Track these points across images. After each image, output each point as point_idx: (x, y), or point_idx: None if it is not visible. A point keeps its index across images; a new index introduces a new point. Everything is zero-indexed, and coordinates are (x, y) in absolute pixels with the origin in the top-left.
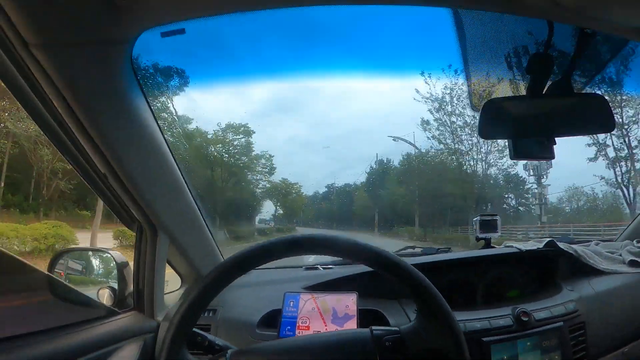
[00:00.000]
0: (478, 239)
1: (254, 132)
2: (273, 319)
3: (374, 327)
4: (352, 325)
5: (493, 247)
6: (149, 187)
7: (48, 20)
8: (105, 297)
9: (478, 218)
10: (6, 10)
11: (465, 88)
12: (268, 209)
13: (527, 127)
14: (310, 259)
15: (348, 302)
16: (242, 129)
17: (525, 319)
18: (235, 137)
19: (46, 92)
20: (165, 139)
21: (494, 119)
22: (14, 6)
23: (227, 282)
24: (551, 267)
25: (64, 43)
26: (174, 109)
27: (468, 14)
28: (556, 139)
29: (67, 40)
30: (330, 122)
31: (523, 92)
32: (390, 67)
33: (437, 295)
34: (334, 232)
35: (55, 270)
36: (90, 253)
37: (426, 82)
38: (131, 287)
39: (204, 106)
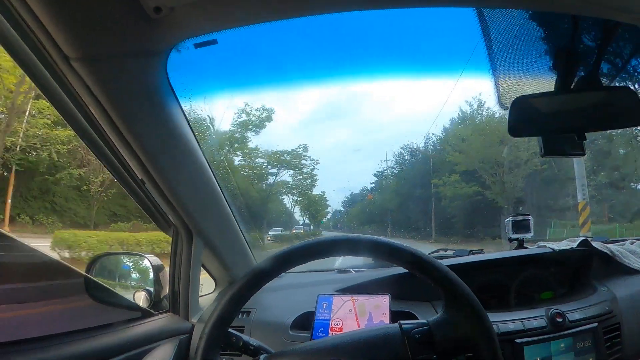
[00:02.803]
0: (511, 240)
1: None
2: (306, 321)
3: (402, 322)
4: None
5: (526, 247)
6: (186, 193)
7: (86, 34)
8: (141, 299)
9: (510, 219)
10: (46, 26)
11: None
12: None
13: (557, 123)
14: (342, 262)
15: (383, 307)
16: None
17: (559, 320)
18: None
19: (86, 103)
20: (200, 146)
21: (523, 116)
22: (54, 22)
23: (261, 285)
24: (585, 267)
25: (103, 56)
26: (210, 117)
27: (495, 12)
28: (586, 134)
29: (105, 53)
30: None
31: (551, 88)
32: (425, 69)
33: (462, 285)
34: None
35: (94, 272)
36: (126, 257)
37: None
38: (166, 290)
39: (238, 114)
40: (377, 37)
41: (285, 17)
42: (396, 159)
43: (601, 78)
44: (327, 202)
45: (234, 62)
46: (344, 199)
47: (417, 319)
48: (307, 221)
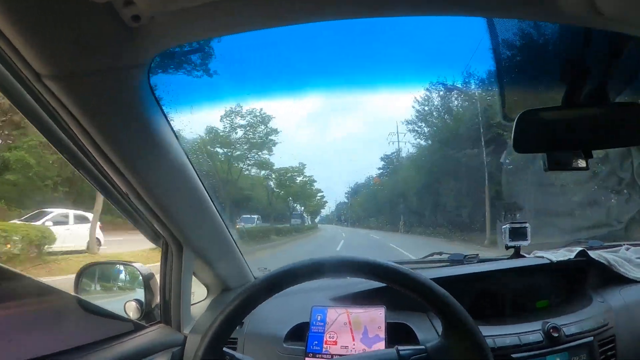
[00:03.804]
0: (507, 247)
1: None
2: (300, 332)
3: (400, 348)
4: (379, 347)
5: (523, 255)
6: (173, 205)
7: (58, 51)
8: (132, 310)
9: (508, 226)
10: (13, 43)
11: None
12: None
13: (564, 139)
14: None
15: (378, 320)
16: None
17: (555, 335)
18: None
19: (64, 119)
20: (187, 156)
21: (530, 130)
22: (22, 39)
23: (257, 304)
24: (581, 277)
25: (77, 72)
26: (196, 126)
27: (503, 22)
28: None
29: (80, 69)
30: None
31: (558, 102)
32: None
33: (462, 312)
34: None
35: (81, 284)
36: (116, 266)
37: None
38: (158, 299)
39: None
40: (380, 46)
41: (269, 26)
42: (419, 114)
43: (610, 93)
44: (322, 193)
45: (222, 69)
46: (348, 189)
47: (413, 332)
48: (296, 214)
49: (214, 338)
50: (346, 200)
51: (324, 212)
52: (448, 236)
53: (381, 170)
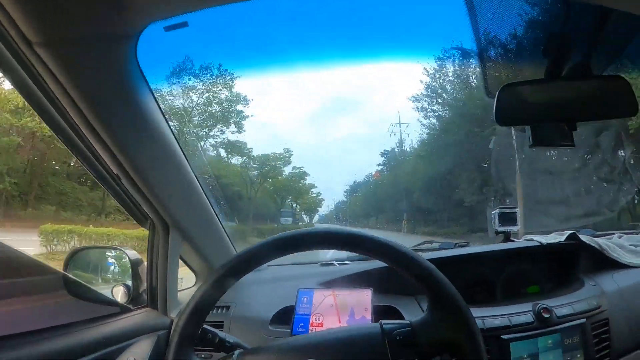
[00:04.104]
0: (497, 232)
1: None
2: (286, 316)
3: (384, 321)
4: None
5: (512, 240)
6: (160, 185)
7: (51, 17)
8: (119, 294)
9: (497, 211)
10: (7, 9)
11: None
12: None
13: (547, 112)
14: (327, 255)
15: (365, 302)
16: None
17: (546, 315)
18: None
19: (53, 91)
20: (175, 136)
21: (512, 104)
22: (16, 4)
23: (238, 277)
24: (573, 261)
25: (68, 40)
26: (185, 104)
27: None
28: (577, 124)
29: (70, 37)
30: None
31: (541, 75)
32: (408, 53)
33: (448, 285)
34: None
35: (70, 268)
36: (104, 250)
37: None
38: (145, 285)
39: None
40: (358, 20)
41: None
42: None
43: (593, 66)
44: (317, 189)
45: (208, 45)
46: (347, 187)
47: (401, 315)
48: (286, 212)
49: (194, 311)
50: (345, 199)
51: (323, 211)
52: (463, 237)
53: (381, 167)
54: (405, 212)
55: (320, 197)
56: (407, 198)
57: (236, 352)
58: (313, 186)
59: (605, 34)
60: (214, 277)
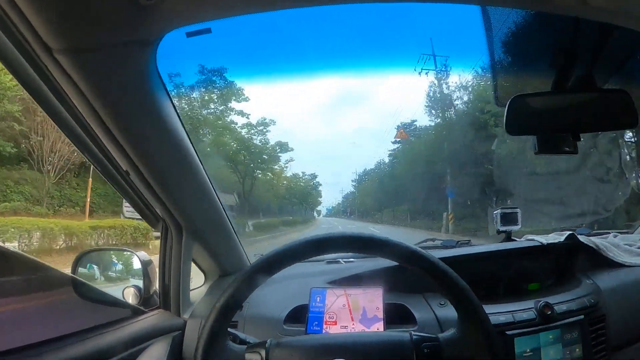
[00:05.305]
0: (499, 232)
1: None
2: (300, 314)
3: (413, 332)
4: (378, 327)
5: (514, 239)
6: (175, 187)
7: (71, 24)
8: (130, 296)
9: (499, 211)
10: (27, 16)
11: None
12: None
13: (553, 122)
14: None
15: (376, 301)
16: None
17: (548, 312)
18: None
19: (68, 95)
20: (190, 139)
21: (521, 114)
22: (36, 11)
23: (259, 283)
24: (571, 260)
25: (88, 47)
26: (201, 108)
27: (497, 10)
28: (580, 135)
29: (91, 44)
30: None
31: (548, 87)
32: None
33: (480, 308)
34: None
35: (79, 271)
36: (113, 253)
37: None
38: (156, 286)
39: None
40: (375, 32)
41: (283, 7)
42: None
43: (597, 80)
44: (320, 186)
45: (228, 51)
46: (355, 177)
47: (411, 313)
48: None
49: (225, 305)
50: (353, 190)
51: (330, 203)
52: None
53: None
54: (409, 208)
55: (319, 189)
56: (452, 177)
57: (269, 341)
58: (314, 177)
59: (607, 49)
60: (247, 273)
